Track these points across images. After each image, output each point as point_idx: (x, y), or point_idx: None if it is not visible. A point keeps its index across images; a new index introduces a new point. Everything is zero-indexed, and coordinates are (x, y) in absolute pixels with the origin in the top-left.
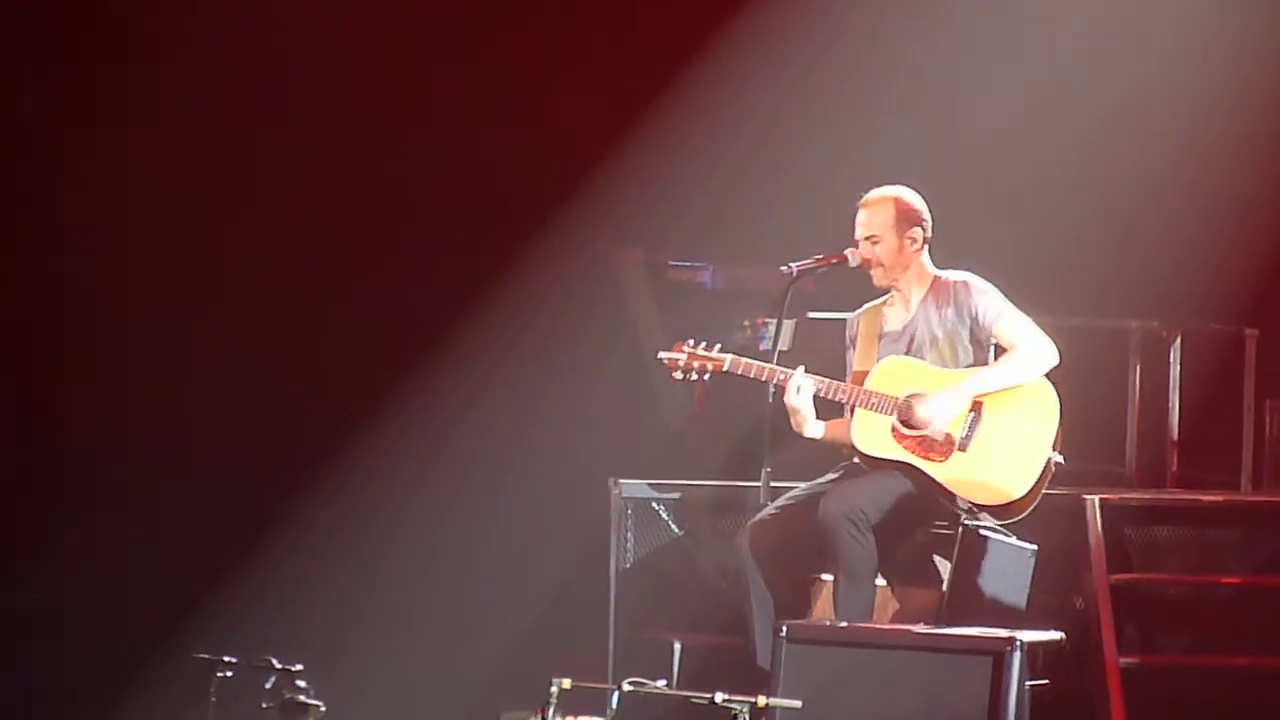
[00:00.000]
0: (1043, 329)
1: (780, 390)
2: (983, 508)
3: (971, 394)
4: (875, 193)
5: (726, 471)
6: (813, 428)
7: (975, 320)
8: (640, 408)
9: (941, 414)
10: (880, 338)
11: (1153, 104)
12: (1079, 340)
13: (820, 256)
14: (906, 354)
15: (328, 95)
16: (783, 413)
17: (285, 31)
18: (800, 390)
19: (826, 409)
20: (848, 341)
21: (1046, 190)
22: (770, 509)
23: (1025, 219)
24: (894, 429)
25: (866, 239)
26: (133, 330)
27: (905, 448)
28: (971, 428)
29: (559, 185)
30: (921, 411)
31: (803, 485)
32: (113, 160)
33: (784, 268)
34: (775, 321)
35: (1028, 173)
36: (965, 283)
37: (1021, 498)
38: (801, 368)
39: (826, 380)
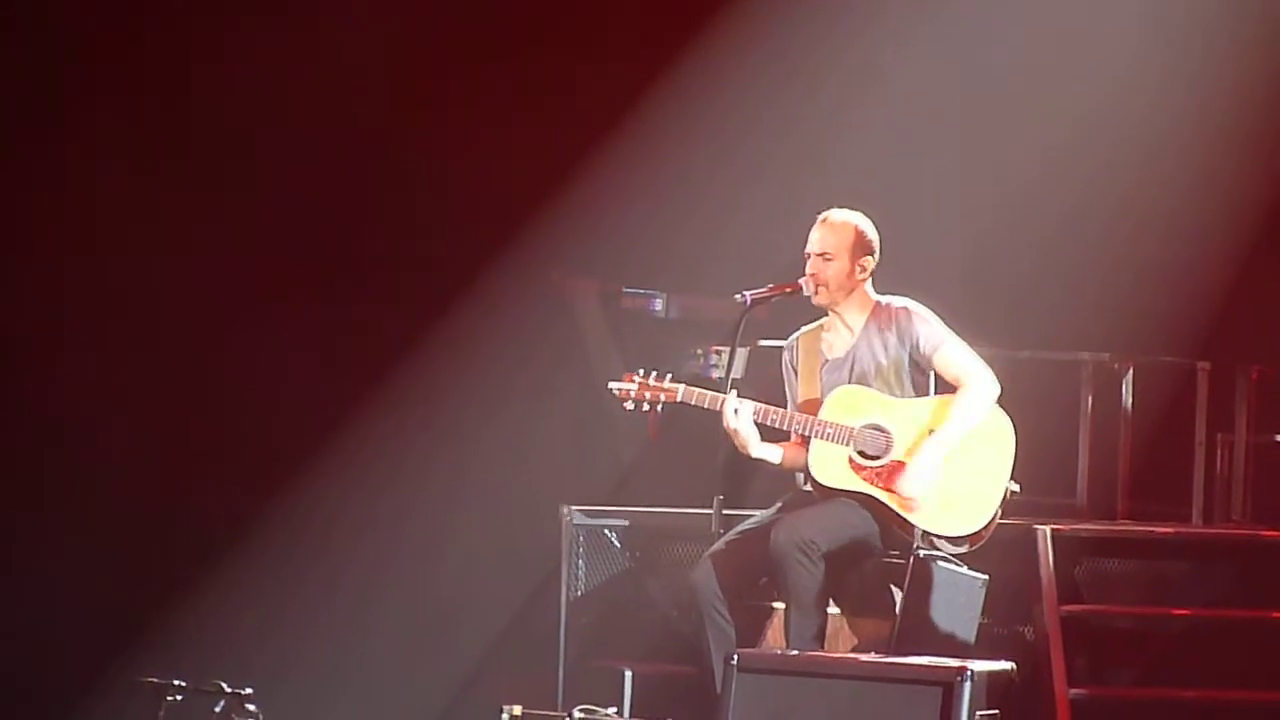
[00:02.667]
0: (994, 360)
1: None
2: (941, 538)
3: (944, 452)
4: (837, 213)
5: (680, 500)
6: (758, 449)
7: (915, 347)
8: (593, 435)
9: (918, 483)
10: (823, 365)
11: (1106, 135)
12: (1030, 372)
13: (774, 285)
14: (850, 382)
15: (286, 118)
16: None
17: (233, 51)
18: (738, 413)
19: (773, 434)
20: (786, 364)
21: (998, 221)
22: (724, 540)
23: (977, 249)
24: (851, 459)
25: (820, 255)
26: (80, 348)
27: (864, 478)
28: None
29: (514, 214)
30: (904, 488)
31: (755, 514)
32: (70, 163)
33: (738, 296)
34: (728, 350)
35: (979, 202)
36: (906, 309)
37: (980, 529)
38: (734, 392)
39: (781, 410)
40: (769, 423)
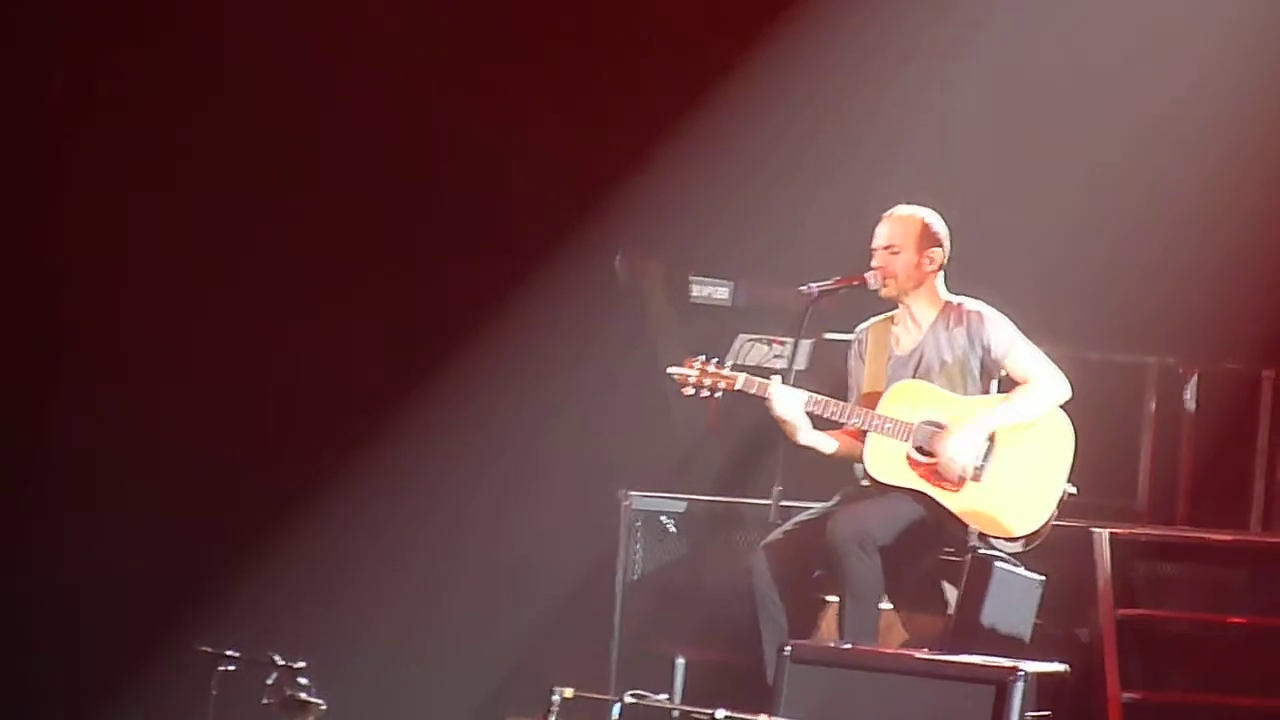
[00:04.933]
0: (1059, 361)
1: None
2: (995, 538)
3: (990, 428)
4: (902, 208)
5: (738, 488)
6: (807, 436)
7: (987, 351)
8: (655, 420)
9: (963, 451)
10: (890, 359)
11: (1180, 140)
12: (1095, 374)
13: (840, 278)
14: (914, 376)
15: (350, 100)
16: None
17: (293, 34)
18: (784, 399)
19: (830, 425)
20: (854, 354)
21: (1069, 222)
22: (781, 530)
23: (1047, 250)
24: (908, 455)
25: (885, 248)
26: (138, 322)
27: (919, 475)
28: (985, 458)
29: (584, 194)
30: (943, 450)
31: (814, 506)
32: (115, 158)
33: (804, 288)
34: (793, 341)
35: (1051, 204)
36: (979, 313)
37: (1035, 530)
38: (777, 378)
39: (837, 401)
40: (826, 414)
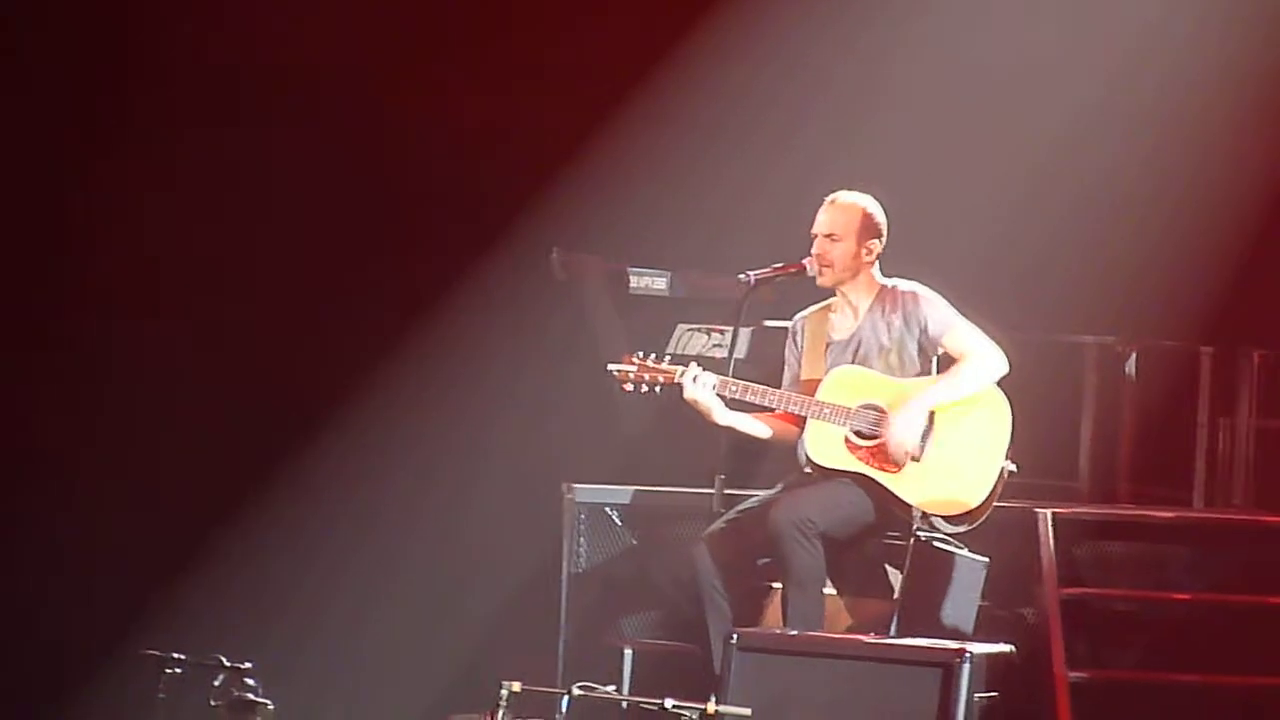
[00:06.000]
0: (1000, 342)
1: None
2: (938, 517)
3: (931, 406)
4: (844, 195)
5: (682, 479)
6: (722, 415)
7: (924, 331)
8: (600, 414)
9: (908, 431)
10: (828, 346)
11: (1114, 122)
12: (1034, 354)
13: (779, 266)
14: (853, 362)
15: (290, 98)
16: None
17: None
18: (697, 381)
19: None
20: (790, 343)
21: (1006, 205)
22: (723, 520)
23: (984, 232)
24: (847, 439)
25: (826, 236)
26: (75, 322)
27: (859, 458)
28: (925, 438)
29: (521, 191)
30: (889, 432)
31: (757, 494)
32: (106, 155)
33: (742, 276)
34: (732, 330)
35: (988, 186)
36: (914, 293)
37: (977, 506)
38: (694, 363)
39: (780, 391)
40: (763, 402)
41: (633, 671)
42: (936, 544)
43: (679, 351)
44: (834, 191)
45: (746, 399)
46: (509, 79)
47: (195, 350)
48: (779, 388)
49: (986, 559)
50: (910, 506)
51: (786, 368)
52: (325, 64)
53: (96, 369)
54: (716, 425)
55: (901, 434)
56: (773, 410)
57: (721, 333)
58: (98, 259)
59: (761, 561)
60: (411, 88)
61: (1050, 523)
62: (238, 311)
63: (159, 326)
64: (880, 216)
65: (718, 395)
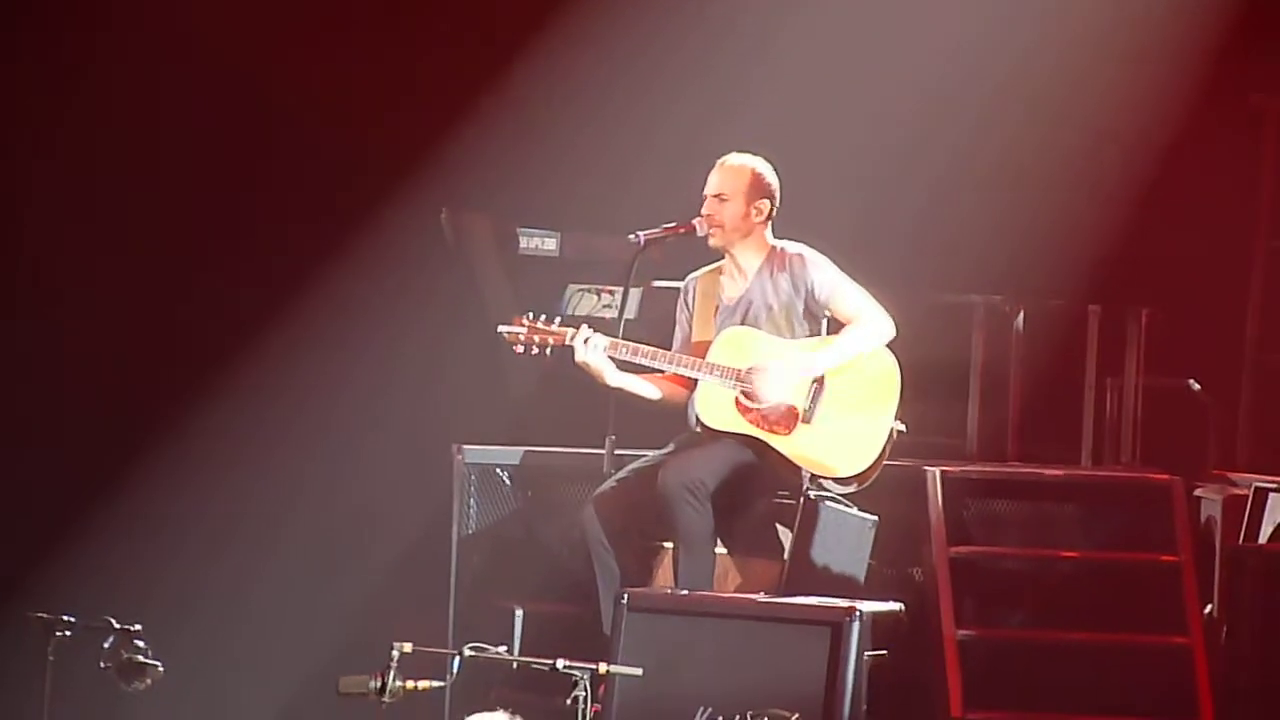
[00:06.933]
0: (884, 303)
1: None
2: (826, 479)
3: (811, 373)
4: (734, 157)
5: (573, 439)
6: (614, 377)
7: (810, 294)
8: (489, 375)
9: (779, 388)
10: (718, 308)
11: (999, 79)
12: (922, 315)
13: (669, 226)
14: (742, 324)
15: (171, 61)
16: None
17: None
18: (588, 344)
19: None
20: (681, 305)
21: (892, 164)
22: (613, 480)
23: (871, 192)
24: (737, 401)
25: (715, 196)
26: None
27: (749, 420)
28: (814, 400)
29: (410, 151)
30: (760, 386)
31: (646, 454)
32: None
33: (632, 237)
34: (622, 290)
35: (874, 146)
36: (800, 255)
37: (866, 469)
38: (585, 325)
39: (670, 352)
40: (652, 364)
41: (524, 632)
42: (825, 503)
43: (570, 312)
44: (724, 154)
45: (637, 360)
46: (397, 38)
47: (79, 310)
48: (669, 348)
49: (875, 518)
50: (800, 468)
51: (677, 328)
52: (206, 26)
53: None
54: (607, 387)
55: (769, 390)
56: (663, 372)
57: (611, 293)
58: None
59: (649, 522)
60: (297, 48)
61: (939, 481)
62: (122, 272)
63: (42, 282)
64: (770, 178)
65: (608, 357)
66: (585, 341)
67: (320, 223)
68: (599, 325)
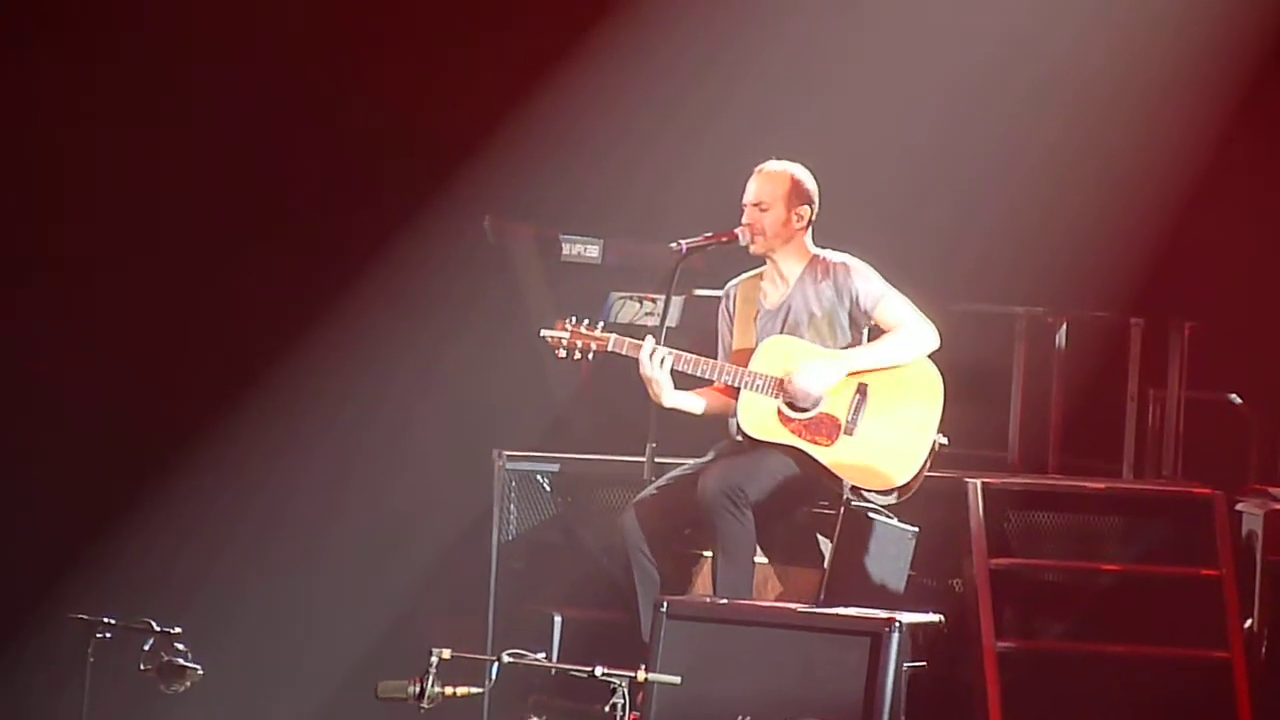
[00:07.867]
0: (926, 313)
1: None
2: (868, 491)
3: (849, 367)
4: (772, 164)
5: (613, 447)
6: (670, 398)
7: (855, 303)
8: (530, 381)
9: (818, 381)
10: (758, 315)
11: (1046, 92)
12: (964, 325)
13: (710, 234)
14: (783, 331)
15: (210, 62)
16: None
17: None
18: (656, 358)
19: (699, 383)
20: (722, 312)
21: (937, 174)
22: (653, 487)
23: (914, 202)
24: (780, 411)
25: (754, 204)
26: (10, 287)
27: (791, 430)
28: (857, 411)
29: (452, 157)
30: (799, 382)
31: (688, 462)
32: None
33: (674, 245)
34: (664, 298)
35: (920, 157)
36: (845, 264)
37: (907, 482)
38: (650, 338)
39: (708, 360)
40: (696, 372)
41: (562, 638)
42: (866, 513)
43: (612, 319)
44: (764, 161)
45: (679, 368)
46: (444, 45)
47: (120, 312)
48: (709, 356)
49: (916, 528)
50: (840, 479)
51: (720, 337)
52: (250, 28)
53: (12, 329)
54: (663, 406)
55: (810, 381)
56: (711, 383)
57: (654, 301)
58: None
59: (686, 531)
60: (342, 53)
61: (980, 493)
62: (166, 274)
63: (71, 290)
64: (810, 184)
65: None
66: (651, 355)
67: (365, 226)
68: (640, 333)
